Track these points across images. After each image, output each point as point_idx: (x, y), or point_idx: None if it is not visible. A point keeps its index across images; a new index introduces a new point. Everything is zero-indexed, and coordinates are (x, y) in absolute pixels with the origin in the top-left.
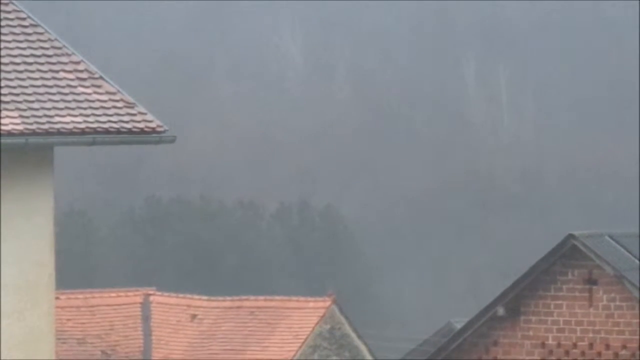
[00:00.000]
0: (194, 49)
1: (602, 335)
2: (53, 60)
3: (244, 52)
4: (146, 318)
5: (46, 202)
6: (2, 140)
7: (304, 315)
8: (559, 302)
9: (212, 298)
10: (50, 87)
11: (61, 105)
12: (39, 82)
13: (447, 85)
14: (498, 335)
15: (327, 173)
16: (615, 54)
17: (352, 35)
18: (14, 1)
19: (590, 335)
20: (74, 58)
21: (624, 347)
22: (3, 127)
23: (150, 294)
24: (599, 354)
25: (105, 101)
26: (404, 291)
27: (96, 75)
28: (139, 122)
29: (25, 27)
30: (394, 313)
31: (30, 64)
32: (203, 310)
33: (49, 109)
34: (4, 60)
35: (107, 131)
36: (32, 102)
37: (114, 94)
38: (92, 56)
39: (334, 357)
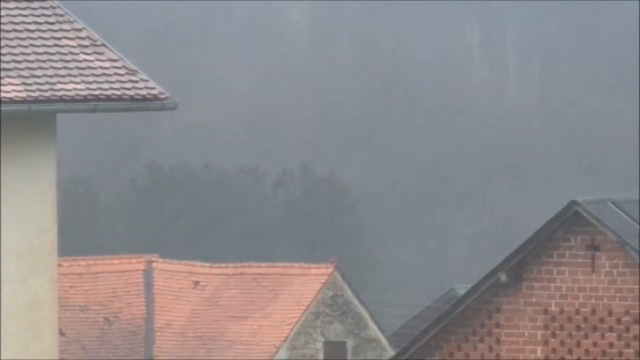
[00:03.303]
0: (195, 16)
1: (605, 301)
2: (55, 27)
3: (246, 18)
4: (149, 285)
5: (49, 168)
6: (5, 108)
7: (307, 282)
8: (562, 268)
9: (215, 265)
10: (53, 54)
11: (63, 72)
12: (41, 50)
13: (451, 51)
14: (500, 301)
15: (330, 140)
16: (619, 22)
17: (355, 1)
18: None
19: (593, 301)
20: (76, 25)
21: (627, 313)
22: (6, 94)
23: (153, 261)
24: (602, 320)
25: (107, 68)
26: (407, 258)
27: (98, 42)
28: (141, 89)
29: None
30: (396, 280)
31: (33, 31)
32: (205, 277)
33: (51, 76)
34: (6, 27)
35: (109, 98)
36: (35, 69)
37: (116, 61)
38: (94, 23)
39: (337, 324)
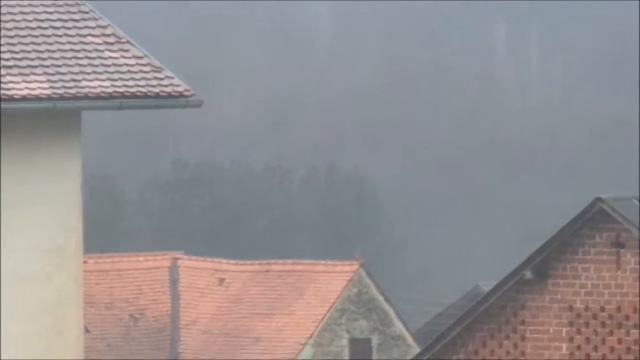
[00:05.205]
0: (220, 13)
1: (630, 298)
2: (80, 24)
3: (272, 15)
4: (174, 282)
5: (74, 166)
6: (30, 104)
7: (332, 279)
8: (587, 265)
9: (240, 262)
10: (78, 51)
11: (89, 69)
12: (66, 47)
13: (476, 48)
14: (526, 298)
15: (355, 136)
16: None
17: (381, 0)
18: None
19: (618, 298)
20: (101, 22)
21: None
22: (31, 91)
23: (178, 258)
24: (627, 317)
25: (132, 65)
26: (431, 254)
27: (123, 40)
28: (166, 86)
29: None
30: (422, 276)
31: (58, 28)
32: (231, 274)
33: (76, 74)
34: (31, 24)
35: (134, 95)
36: (60, 66)
37: (141, 58)
38: (120, 20)
39: (362, 321)
